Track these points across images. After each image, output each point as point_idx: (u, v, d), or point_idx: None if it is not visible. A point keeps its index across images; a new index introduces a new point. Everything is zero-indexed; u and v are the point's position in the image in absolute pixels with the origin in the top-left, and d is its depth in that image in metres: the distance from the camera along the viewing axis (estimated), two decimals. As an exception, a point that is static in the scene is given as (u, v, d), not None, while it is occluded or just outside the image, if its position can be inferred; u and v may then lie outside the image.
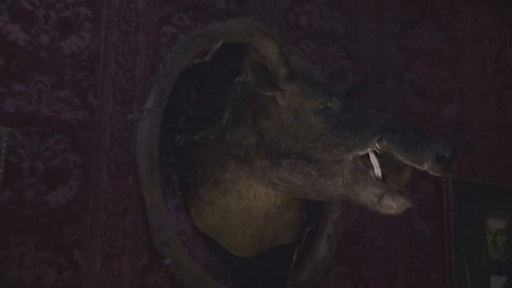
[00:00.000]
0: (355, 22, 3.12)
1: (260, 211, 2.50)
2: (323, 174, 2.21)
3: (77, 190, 2.45)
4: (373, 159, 2.12)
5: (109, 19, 2.61)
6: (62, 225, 2.40)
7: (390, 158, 2.09)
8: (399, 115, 3.08)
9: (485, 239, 3.15)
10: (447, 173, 2.10)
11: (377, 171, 2.11)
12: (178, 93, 2.64)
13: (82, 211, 2.44)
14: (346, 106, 2.27)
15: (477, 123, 3.31)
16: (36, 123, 2.42)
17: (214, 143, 2.49)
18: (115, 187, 2.50)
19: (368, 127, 2.14)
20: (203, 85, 2.71)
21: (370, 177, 2.12)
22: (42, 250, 2.36)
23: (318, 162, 2.21)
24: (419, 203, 2.99)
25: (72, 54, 2.53)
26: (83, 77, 2.53)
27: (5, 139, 2.34)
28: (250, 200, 2.47)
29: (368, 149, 2.11)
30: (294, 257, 2.59)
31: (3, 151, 2.33)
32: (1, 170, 2.32)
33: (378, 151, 2.10)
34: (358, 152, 2.14)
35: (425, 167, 2.03)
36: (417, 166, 2.05)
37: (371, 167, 2.13)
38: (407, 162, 2.06)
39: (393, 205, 2.11)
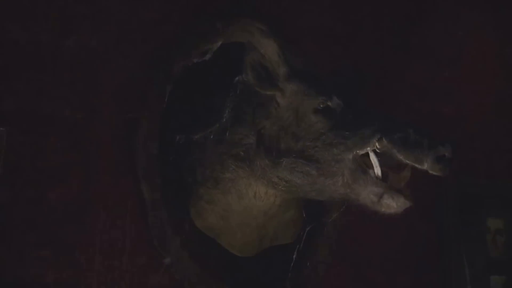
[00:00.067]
0: (355, 21, 3.12)
1: (260, 210, 2.50)
2: (323, 173, 2.21)
3: (77, 189, 2.44)
4: (373, 158, 2.12)
5: (109, 18, 2.61)
6: (61, 224, 2.40)
7: (390, 157, 2.10)
8: (399, 114, 3.07)
9: (484, 239, 3.15)
10: (447, 173, 2.11)
11: (377, 170, 2.12)
12: (178, 92, 2.64)
13: (81, 210, 2.43)
14: (346, 105, 2.27)
15: (477, 123, 3.31)
16: (36, 122, 2.42)
17: (213, 142, 2.49)
18: (114, 186, 2.50)
19: (367, 126, 2.14)
20: (202, 85, 2.71)
21: (370, 176, 2.13)
22: (42, 249, 2.35)
23: (318, 161, 2.21)
24: (418, 202, 2.98)
25: (72, 52, 2.52)
26: (83, 76, 2.52)
27: (5, 137, 2.34)
28: (250, 200, 2.47)
29: (368, 148, 2.12)
30: (294, 256, 2.59)
31: (3, 150, 2.33)
32: (1, 169, 2.32)
33: (378, 150, 2.11)
34: (358, 151, 2.14)
35: (425, 166, 2.04)
36: (417, 165, 2.06)
37: (371, 166, 2.13)
38: (407, 161, 2.07)
39: (392, 204, 2.12)
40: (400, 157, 2.06)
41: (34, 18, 2.49)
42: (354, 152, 2.15)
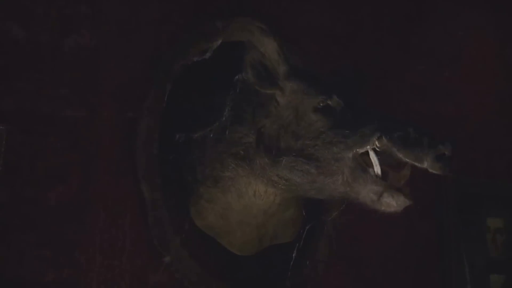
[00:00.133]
0: (355, 21, 3.12)
1: (259, 209, 2.50)
2: (323, 172, 2.21)
3: (77, 188, 2.44)
4: (373, 157, 2.12)
5: (108, 17, 2.61)
6: (61, 223, 2.39)
7: (389, 156, 2.10)
8: (399, 114, 3.07)
9: (484, 238, 3.15)
10: (446, 171, 2.11)
11: (377, 169, 2.12)
12: (178, 91, 2.64)
13: (81, 210, 2.43)
14: (346, 104, 2.27)
15: (477, 122, 3.32)
16: (35, 121, 2.42)
17: (213, 141, 2.49)
18: (114, 186, 2.50)
19: (367, 124, 2.15)
20: (202, 83, 2.71)
21: (369, 175, 2.13)
22: (42, 248, 2.35)
23: (317, 160, 2.21)
24: (418, 202, 2.98)
25: (72, 52, 2.52)
26: (83, 75, 2.53)
27: (4, 137, 2.34)
28: (250, 198, 2.47)
29: (368, 147, 2.12)
30: (294, 254, 2.59)
31: (2, 149, 2.32)
32: (0, 169, 2.32)
33: (377, 149, 2.11)
34: (357, 150, 2.14)
35: (425, 165, 2.04)
36: (416, 164, 2.05)
37: (370, 165, 2.13)
38: (407, 160, 2.06)
39: (392, 203, 2.12)
40: (400, 155, 2.06)
41: (34, 18, 2.49)
42: (354, 151, 2.15)
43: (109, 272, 2.43)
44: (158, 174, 2.55)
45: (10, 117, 2.39)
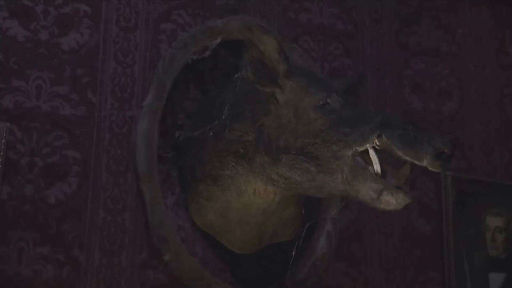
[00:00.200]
0: (355, 19, 3.12)
1: (259, 207, 2.49)
2: (322, 170, 2.20)
3: (76, 186, 2.45)
4: (373, 155, 2.12)
5: (108, 16, 2.61)
6: (61, 221, 2.40)
7: (389, 154, 2.09)
8: (398, 112, 3.08)
9: (484, 237, 3.15)
10: (446, 169, 2.10)
11: (377, 167, 2.11)
12: (177, 90, 2.64)
13: (81, 207, 2.44)
14: (345, 102, 2.27)
15: (476, 121, 3.31)
16: (35, 119, 2.42)
17: (213, 139, 2.49)
18: (114, 183, 2.50)
19: (367, 123, 2.14)
20: (202, 82, 2.71)
21: (369, 173, 2.12)
22: (41, 246, 2.36)
23: (317, 158, 2.20)
24: (418, 200, 2.99)
25: (71, 50, 2.53)
26: (82, 74, 2.53)
27: (4, 135, 2.34)
28: (249, 197, 2.47)
29: (368, 145, 2.11)
30: (293, 253, 2.59)
31: (2, 147, 2.33)
32: (0, 166, 2.32)
33: (377, 147, 2.10)
34: (357, 148, 2.13)
35: (424, 163, 2.03)
36: (416, 162, 2.04)
37: (370, 163, 2.13)
38: (406, 158, 2.05)
39: (392, 201, 2.11)
40: (400, 153, 2.05)
41: (33, 16, 2.49)
42: (354, 149, 2.14)
43: (109, 270, 2.43)
44: (157, 172, 2.55)
45: (10, 114, 2.39)
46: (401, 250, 2.97)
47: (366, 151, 2.13)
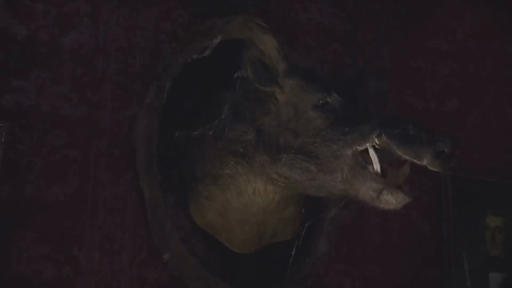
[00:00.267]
0: (354, 19, 3.12)
1: (259, 207, 2.50)
2: (322, 169, 2.21)
3: (76, 185, 2.44)
4: (372, 154, 2.12)
5: (108, 15, 2.61)
6: (61, 220, 2.40)
7: (389, 153, 2.09)
8: (398, 112, 3.08)
9: (483, 236, 3.15)
10: (446, 169, 2.10)
11: (376, 166, 2.12)
12: (177, 89, 2.64)
13: (81, 207, 2.43)
14: (345, 101, 2.27)
15: (476, 120, 3.31)
16: (35, 119, 2.42)
17: (213, 138, 2.49)
18: (114, 183, 2.50)
19: (367, 122, 2.14)
20: (202, 81, 2.71)
21: (369, 172, 2.12)
22: (41, 245, 2.35)
23: (317, 157, 2.21)
24: (417, 200, 2.98)
25: (71, 49, 2.52)
26: (82, 73, 2.52)
27: (4, 134, 2.33)
28: (249, 196, 2.47)
29: (367, 144, 2.12)
30: (293, 252, 2.59)
31: (2, 146, 2.32)
32: (0, 166, 2.32)
33: (377, 146, 2.11)
34: (357, 147, 2.14)
35: (424, 162, 2.03)
36: (416, 161, 2.05)
37: (370, 162, 2.13)
38: (406, 157, 2.06)
39: (392, 200, 2.11)
40: (399, 152, 2.05)
41: (34, 15, 2.49)
42: (354, 148, 2.14)
43: (109, 269, 2.43)
44: (157, 171, 2.55)
45: (10, 114, 2.39)
46: (401, 249, 2.97)
47: (366, 150, 2.13)
